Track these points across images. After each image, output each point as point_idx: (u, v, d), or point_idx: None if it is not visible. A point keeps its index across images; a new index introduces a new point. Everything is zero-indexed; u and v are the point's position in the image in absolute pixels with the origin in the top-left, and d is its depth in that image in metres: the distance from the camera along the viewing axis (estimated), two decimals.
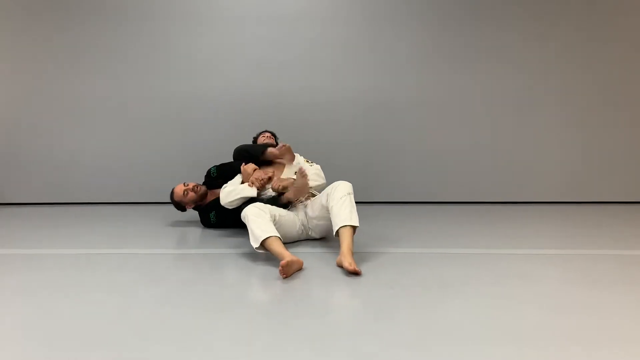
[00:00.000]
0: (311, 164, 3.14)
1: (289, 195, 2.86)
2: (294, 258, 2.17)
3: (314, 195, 2.95)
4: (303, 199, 2.90)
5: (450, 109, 4.34)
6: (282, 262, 2.10)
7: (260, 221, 2.40)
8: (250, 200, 2.92)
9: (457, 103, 4.34)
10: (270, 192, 2.98)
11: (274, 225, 2.45)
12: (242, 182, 3.04)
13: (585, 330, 1.58)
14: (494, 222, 3.49)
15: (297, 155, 3.18)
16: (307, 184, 2.86)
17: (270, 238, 2.32)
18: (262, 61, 4.34)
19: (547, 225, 3.42)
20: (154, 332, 1.59)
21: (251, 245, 2.38)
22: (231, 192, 2.94)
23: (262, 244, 2.32)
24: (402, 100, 4.35)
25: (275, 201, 2.79)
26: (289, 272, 2.14)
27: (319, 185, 3.01)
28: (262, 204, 2.57)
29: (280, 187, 2.91)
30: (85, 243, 2.91)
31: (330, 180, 3.16)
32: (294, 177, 2.95)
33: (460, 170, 4.39)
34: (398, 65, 4.32)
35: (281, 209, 2.71)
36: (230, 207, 2.95)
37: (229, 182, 3.10)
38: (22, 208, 4.32)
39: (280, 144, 3.05)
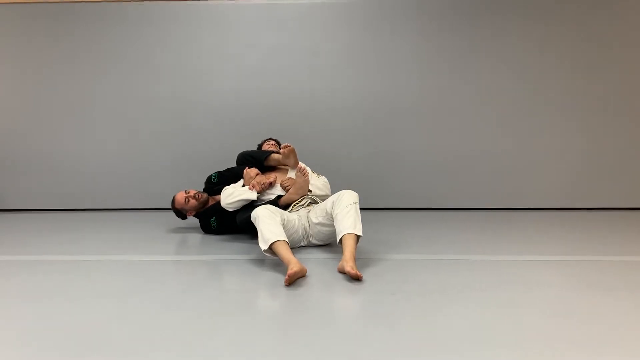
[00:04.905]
0: (318, 175, 3.17)
1: (291, 193, 2.88)
2: (300, 266, 2.16)
3: (316, 202, 2.96)
4: (305, 205, 2.90)
5: (451, 115, 4.35)
6: (290, 272, 2.10)
7: (271, 223, 2.39)
8: (250, 203, 2.94)
9: (458, 109, 4.34)
10: (269, 197, 3.00)
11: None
12: (244, 185, 3.05)
13: (586, 336, 1.57)
14: (495, 229, 3.48)
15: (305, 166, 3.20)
16: (308, 181, 2.88)
17: (279, 242, 2.31)
18: (264, 67, 4.36)
19: (549, 231, 3.41)
20: (154, 338, 1.59)
21: (255, 248, 2.38)
22: (232, 193, 2.96)
23: (270, 247, 2.32)
24: (404, 106, 4.35)
25: (274, 204, 2.79)
26: (293, 280, 2.14)
27: (323, 196, 3.03)
28: (273, 206, 2.58)
29: (287, 185, 2.94)
30: (85, 249, 2.90)
31: (333, 186, 3.18)
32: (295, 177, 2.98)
33: (461, 176, 4.38)
34: (400, 71, 4.33)
35: (288, 213, 2.72)
36: (229, 209, 2.98)
37: (230, 184, 3.11)
38: (22, 214, 4.32)
39: (284, 145, 3.06)
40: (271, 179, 3.03)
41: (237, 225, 2.98)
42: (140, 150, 4.45)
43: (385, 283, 2.13)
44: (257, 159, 3.20)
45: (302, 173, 2.87)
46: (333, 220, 2.53)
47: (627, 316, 1.74)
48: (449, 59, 4.31)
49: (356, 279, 2.16)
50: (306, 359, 1.42)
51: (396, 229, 3.48)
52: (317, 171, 3.31)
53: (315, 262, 2.48)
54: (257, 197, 2.96)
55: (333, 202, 2.56)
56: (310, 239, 2.83)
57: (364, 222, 2.49)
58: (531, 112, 4.33)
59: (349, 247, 2.31)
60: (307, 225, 2.79)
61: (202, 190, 3.39)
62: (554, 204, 4.37)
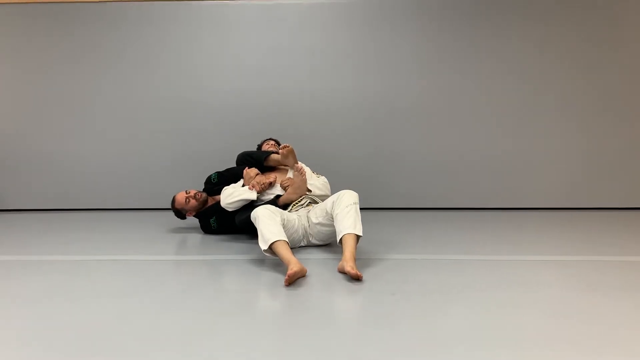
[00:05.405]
0: (318, 175, 3.17)
1: (289, 193, 2.88)
2: (300, 266, 2.16)
3: (316, 202, 2.96)
4: (304, 204, 2.90)
5: (451, 115, 4.35)
6: (290, 272, 2.09)
7: (271, 223, 2.39)
8: (250, 204, 2.94)
9: (458, 109, 4.34)
10: (269, 197, 3.00)
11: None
12: (244, 185, 3.05)
13: (586, 336, 1.57)
14: (495, 229, 3.48)
15: (303, 165, 3.19)
16: (305, 180, 2.89)
17: (279, 242, 2.31)
18: (264, 67, 4.36)
19: (549, 231, 3.41)
20: (154, 338, 1.59)
21: (255, 248, 2.37)
22: (232, 193, 2.96)
23: (270, 247, 2.31)
24: (404, 106, 4.35)
25: (273, 204, 2.80)
26: (293, 280, 2.14)
27: (323, 195, 3.03)
28: (273, 206, 2.57)
29: (286, 185, 2.95)
30: (85, 249, 2.89)
31: (333, 186, 3.18)
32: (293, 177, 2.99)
33: (461, 176, 4.38)
34: (400, 71, 4.33)
35: (288, 213, 2.72)
36: (229, 209, 2.98)
37: (230, 184, 3.12)
38: (22, 214, 4.31)
39: (282, 145, 3.06)
40: (271, 179, 3.03)
41: (237, 225, 2.98)
42: (140, 150, 4.45)
43: (385, 283, 2.13)
44: (257, 159, 3.20)
45: (300, 172, 2.87)
46: (333, 220, 2.53)
47: (627, 316, 1.74)
48: (449, 59, 4.31)
49: (356, 279, 2.16)
50: (306, 359, 1.42)
51: (396, 229, 3.48)
52: (317, 171, 3.31)
53: (315, 262, 2.48)
54: (257, 197, 2.97)
55: (333, 202, 2.56)
56: (310, 239, 2.83)
57: (364, 222, 2.49)
58: (531, 112, 4.33)
59: (349, 247, 2.31)
60: (306, 225, 2.79)
61: (201, 190, 3.39)
62: (554, 204, 4.37)
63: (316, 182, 3.07)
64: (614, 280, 2.15)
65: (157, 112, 4.42)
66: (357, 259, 2.32)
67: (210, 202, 3.35)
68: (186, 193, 3.28)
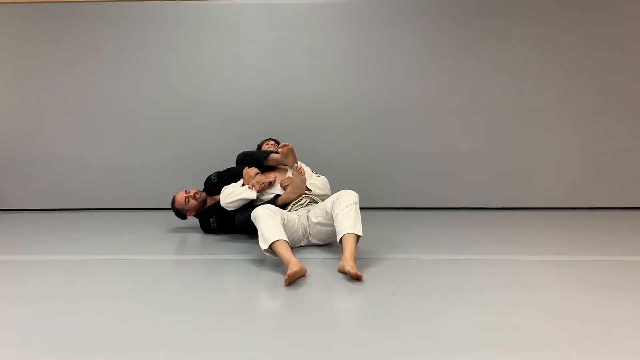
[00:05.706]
0: (318, 175, 3.17)
1: (288, 192, 2.88)
2: (300, 266, 2.16)
3: (315, 202, 2.96)
4: (304, 204, 2.90)
5: (451, 115, 4.35)
6: (289, 272, 2.09)
7: (271, 223, 2.39)
8: (249, 203, 2.94)
9: (458, 109, 4.34)
10: (269, 196, 3.00)
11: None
12: (243, 185, 3.05)
13: (586, 336, 1.57)
14: (495, 228, 3.48)
15: (303, 165, 3.19)
16: (304, 180, 2.89)
17: (279, 241, 2.31)
18: (264, 67, 4.36)
19: (549, 231, 3.41)
20: (154, 338, 1.59)
21: (255, 248, 2.37)
22: (231, 193, 2.96)
23: (270, 247, 2.31)
24: (404, 106, 4.35)
25: (272, 204, 2.80)
26: (293, 280, 2.13)
27: (323, 195, 3.03)
28: (273, 206, 2.57)
29: (286, 185, 2.97)
30: (85, 249, 2.89)
31: (333, 186, 3.18)
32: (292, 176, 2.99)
33: (461, 176, 4.38)
34: (400, 71, 4.33)
35: (288, 212, 2.72)
36: (229, 208, 2.98)
37: (230, 184, 3.12)
38: (22, 214, 4.31)
39: (282, 144, 3.06)
40: (270, 179, 3.03)
41: (236, 225, 2.98)
42: (140, 150, 4.45)
43: (385, 283, 2.13)
44: (257, 159, 3.21)
45: (299, 172, 2.87)
46: (333, 220, 2.53)
47: (627, 316, 1.74)
48: (449, 59, 4.31)
49: (356, 278, 2.16)
50: (306, 359, 1.42)
51: (396, 229, 3.48)
52: (317, 171, 3.31)
53: (315, 262, 2.48)
54: (257, 197, 2.97)
55: (333, 202, 2.56)
56: (310, 239, 2.83)
57: (364, 222, 2.48)
58: (531, 112, 4.33)
59: (349, 247, 2.31)
60: (306, 224, 2.79)
61: (201, 190, 3.39)
62: (554, 204, 4.37)
63: (316, 182, 3.07)
64: (614, 280, 2.15)
65: (157, 112, 4.42)
66: (357, 259, 2.32)
67: (210, 202, 3.35)
68: (186, 193, 3.29)
